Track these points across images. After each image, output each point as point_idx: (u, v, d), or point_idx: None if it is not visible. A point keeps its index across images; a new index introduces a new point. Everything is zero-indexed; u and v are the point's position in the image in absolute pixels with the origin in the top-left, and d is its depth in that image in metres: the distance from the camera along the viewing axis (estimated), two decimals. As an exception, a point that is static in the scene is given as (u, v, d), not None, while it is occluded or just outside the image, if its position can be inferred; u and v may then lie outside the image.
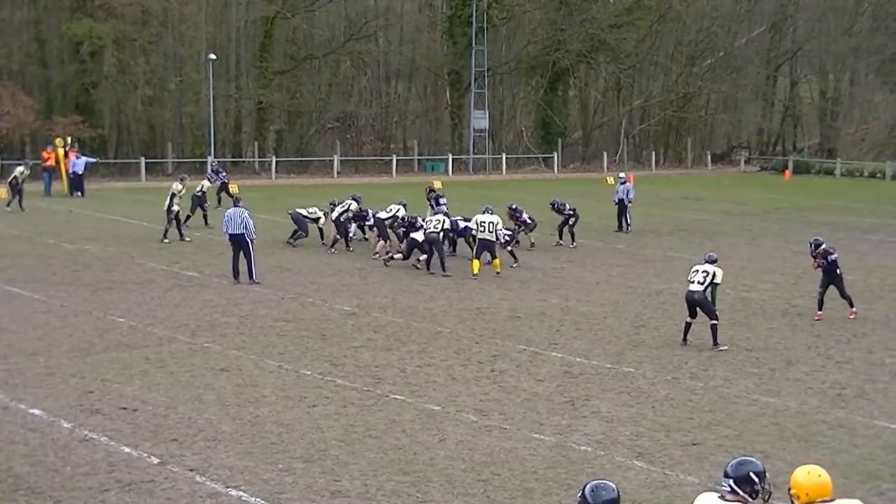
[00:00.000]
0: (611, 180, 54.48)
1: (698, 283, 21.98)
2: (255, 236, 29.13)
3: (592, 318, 25.29)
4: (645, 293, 28.48)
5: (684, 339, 22.43)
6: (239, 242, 28.77)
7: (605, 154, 78.76)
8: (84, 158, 52.61)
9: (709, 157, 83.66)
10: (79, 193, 50.54)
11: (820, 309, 25.25)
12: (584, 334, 23.48)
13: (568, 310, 26.17)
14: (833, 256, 24.84)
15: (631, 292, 28.75)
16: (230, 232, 28.81)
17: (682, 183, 67.75)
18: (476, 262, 30.51)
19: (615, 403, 18.04)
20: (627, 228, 41.33)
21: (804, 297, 27.70)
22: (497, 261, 30.70)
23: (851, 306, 25.43)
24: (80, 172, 51.65)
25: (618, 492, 8.08)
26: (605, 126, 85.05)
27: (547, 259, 34.14)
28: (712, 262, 22.46)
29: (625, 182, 41.90)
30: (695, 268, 22.51)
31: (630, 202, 41.73)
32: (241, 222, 28.62)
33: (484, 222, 30.27)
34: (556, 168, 75.44)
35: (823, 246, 25.08)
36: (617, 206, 41.80)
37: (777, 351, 21.98)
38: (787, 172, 75.38)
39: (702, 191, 61.08)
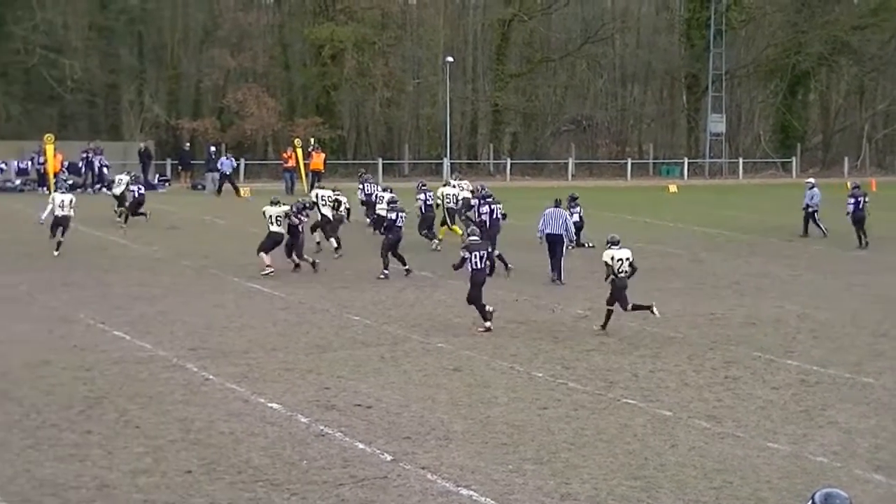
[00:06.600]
0: (849, 185, 52.98)
1: None
2: (573, 237, 30.57)
3: (830, 326, 24.68)
4: (886, 301, 27.63)
5: None
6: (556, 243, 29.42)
7: (845, 159, 76.79)
8: (231, 160, 54.05)
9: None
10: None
11: None
12: (821, 342, 22.92)
13: (805, 317, 25.59)
14: None
15: (871, 301, 27.96)
16: (548, 231, 29.34)
17: (927, 189, 65.58)
18: None
19: (853, 414, 17.55)
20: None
21: None
22: None
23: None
24: (228, 173, 53.05)
25: (850, 502, 7.81)
26: (847, 130, 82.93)
27: (782, 265, 33.50)
28: None
29: (812, 187, 40.60)
30: None
31: (816, 209, 40.09)
32: (562, 223, 29.20)
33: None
34: (794, 173, 73.96)
35: None
36: (803, 213, 40.40)
37: None
38: None
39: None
